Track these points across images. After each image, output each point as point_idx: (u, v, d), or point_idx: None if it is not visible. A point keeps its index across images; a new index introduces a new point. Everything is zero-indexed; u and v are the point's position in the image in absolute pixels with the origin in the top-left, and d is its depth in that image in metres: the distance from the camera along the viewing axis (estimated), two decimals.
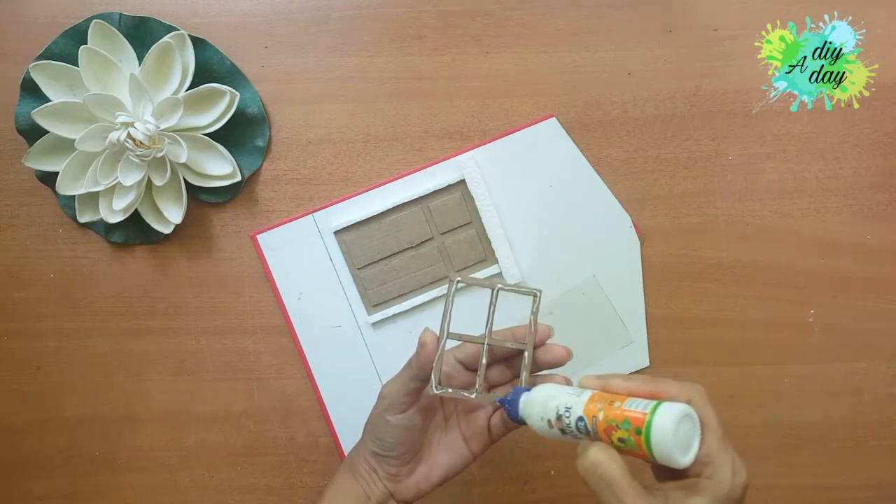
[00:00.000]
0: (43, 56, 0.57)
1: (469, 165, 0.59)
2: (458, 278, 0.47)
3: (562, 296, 0.60)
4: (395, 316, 0.60)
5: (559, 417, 0.40)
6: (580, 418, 0.39)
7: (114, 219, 0.57)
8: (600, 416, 0.38)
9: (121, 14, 0.58)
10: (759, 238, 0.60)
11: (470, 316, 0.52)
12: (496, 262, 0.59)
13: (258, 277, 0.61)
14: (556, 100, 0.59)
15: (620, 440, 0.37)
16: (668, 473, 0.38)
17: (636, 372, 0.61)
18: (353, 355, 0.60)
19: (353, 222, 0.59)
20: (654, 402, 0.37)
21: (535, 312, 0.47)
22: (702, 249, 0.60)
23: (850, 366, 0.60)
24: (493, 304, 0.47)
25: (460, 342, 0.48)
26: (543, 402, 0.42)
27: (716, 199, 0.60)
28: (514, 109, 0.59)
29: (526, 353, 0.46)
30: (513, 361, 0.49)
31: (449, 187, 0.59)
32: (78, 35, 0.57)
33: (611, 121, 0.59)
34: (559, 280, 0.60)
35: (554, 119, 0.59)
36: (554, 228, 0.60)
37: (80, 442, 0.62)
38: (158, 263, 0.61)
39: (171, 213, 0.58)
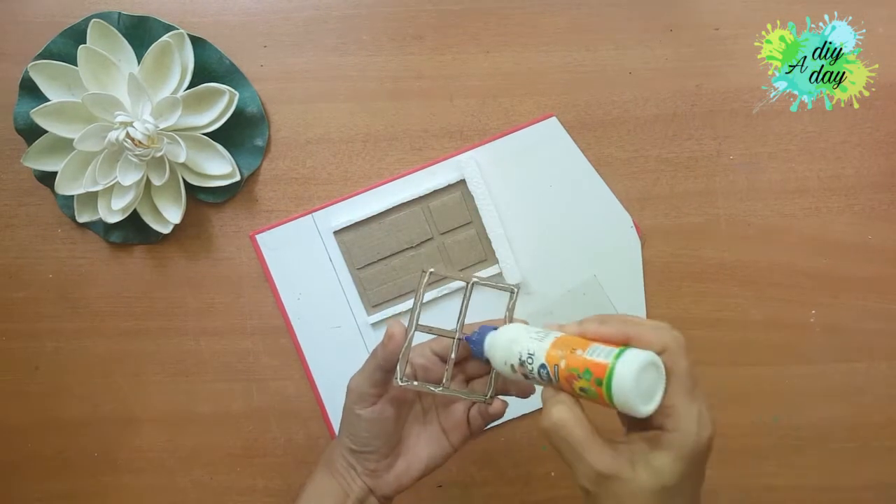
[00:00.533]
0: (42, 55, 0.57)
1: (469, 165, 0.59)
2: (431, 269, 0.46)
3: (562, 296, 0.60)
4: (394, 316, 0.60)
5: (522, 363, 0.39)
6: (542, 366, 0.38)
7: (112, 219, 0.57)
8: (562, 364, 0.37)
9: (120, 13, 0.57)
10: (760, 238, 0.60)
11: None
12: (496, 262, 0.59)
13: (257, 277, 0.60)
14: (556, 99, 0.59)
15: (582, 390, 0.36)
16: (635, 421, 0.37)
17: None
18: (352, 356, 0.60)
19: (352, 222, 0.59)
20: (617, 350, 0.36)
21: (510, 309, 0.46)
22: (703, 249, 0.60)
23: (852, 366, 0.60)
24: (466, 297, 0.46)
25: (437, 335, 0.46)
26: (506, 347, 0.40)
27: (717, 198, 0.60)
28: (514, 109, 0.59)
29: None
30: None
31: (449, 187, 0.59)
32: (77, 34, 0.57)
33: (611, 120, 0.59)
34: (560, 280, 0.60)
35: (554, 119, 0.59)
36: (555, 228, 0.60)
37: (78, 443, 0.61)
38: (157, 264, 0.61)
39: (170, 213, 0.57)
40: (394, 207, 0.59)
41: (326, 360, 0.60)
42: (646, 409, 0.35)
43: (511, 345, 0.40)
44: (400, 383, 0.44)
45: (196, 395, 0.61)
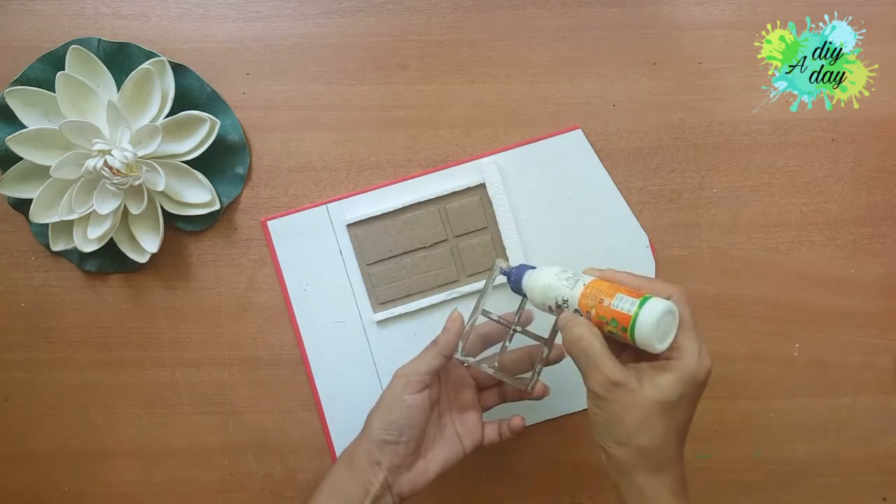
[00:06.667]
0: (19, 81, 0.56)
1: (490, 169, 0.58)
2: (503, 265, 0.52)
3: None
4: (400, 316, 0.59)
5: (559, 306, 0.46)
6: (577, 310, 0.45)
7: (88, 248, 0.56)
8: (593, 312, 0.44)
9: (99, 39, 0.57)
10: (744, 271, 0.60)
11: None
12: None
13: (236, 307, 0.59)
14: (540, 130, 0.59)
15: (610, 332, 0.44)
16: (642, 355, 0.44)
17: None
18: (353, 352, 0.59)
19: (367, 216, 0.58)
20: (638, 300, 0.42)
21: (559, 316, 0.50)
22: (686, 282, 0.59)
23: (835, 401, 0.60)
24: (525, 297, 0.51)
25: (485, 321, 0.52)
26: (543, 293, 0.47)
27: (700, 231, 0.60)
28: (499, 139, 0.59)
29: (545, 349, 0.52)
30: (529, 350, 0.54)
31: (468, 190, 0.58)
32: (55, 60, 0.56)
33: (596, 152, 0.59)
34: None
35: (579, 131, 0.59)
36: (570, 241, 0.59)
37: (48, 477, 0.60)
38: (133, 293, 0.59)
39: (148, 242, 0.56)
40: (410, 205, 0.58)
41: (327, 354, 0.59)
42: (661, 346, 0.42)
43: (547, 291, 0.47)
44: (461, 358, 0.51)
45: (171, 429, 0.59)
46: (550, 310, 0.47)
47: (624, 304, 0.43)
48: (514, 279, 0.50)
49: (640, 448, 0.42)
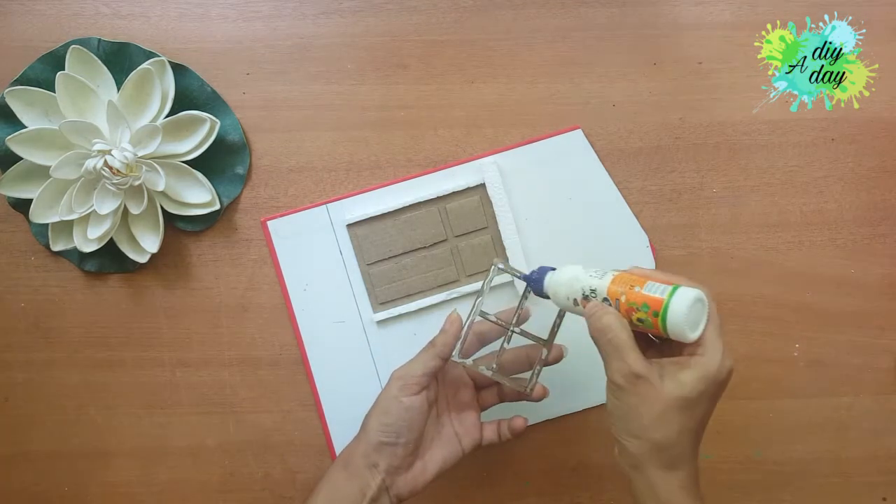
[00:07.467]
0: (19, 81, 0.56)
1: (490, 169, 0.58)
2: (500, 265, 0.51)
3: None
4: (400, 316, 0.59)
5: (586, 297, 0.46)
6: (605, 299, 0.45)
7: (88, 248, 0.56)
8: (622, 298, 0.44)
9: (100, 39, 0.57)
10: (744, 271, 0.59)
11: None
12: None
13: (235, 307, 0.59)
14: (540, 130, 0.59)
15: (639, 320, 0.43)
16: (665, 353, 0.44)
17: None
18: (353, 352, 0.59)
19: (367, 216, 0.58)
20: (670, 287, 0.42)
21: (560, 316, 0.51)
22: None
23: (836, 401, 0.60)
24: (524, 296, 0.52)
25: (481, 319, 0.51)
26: (569, 284, 0.47)
27: (700, 231, 0.60)
28: (499, 140, 0.59)
29: (543, 350, 0.52)
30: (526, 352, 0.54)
31: (468, 190, 0.58)
32: (55, 60, 0.56)
33: (596, 152, 0.59)
34: None
35: (579, 131, 0.59)
36: (570, 241, 0.59)
37: (48, 477, 0.60)
38: (133, 293, 0.59)
39: (148, 242, 0.56)
40: (410, 205, 0.58)
41: (327, 354, 0.59)
42: (693, 335, 0.42)
43: (573, 283, 0.47)
44: (457, 359, 0.50)
45: (171, 429, 0.59)
46: (575, 303, 0.47)
47: (656, 289, 0.43)
48: (537, 278, 0.49)
49: (654, 442, 0.42)
